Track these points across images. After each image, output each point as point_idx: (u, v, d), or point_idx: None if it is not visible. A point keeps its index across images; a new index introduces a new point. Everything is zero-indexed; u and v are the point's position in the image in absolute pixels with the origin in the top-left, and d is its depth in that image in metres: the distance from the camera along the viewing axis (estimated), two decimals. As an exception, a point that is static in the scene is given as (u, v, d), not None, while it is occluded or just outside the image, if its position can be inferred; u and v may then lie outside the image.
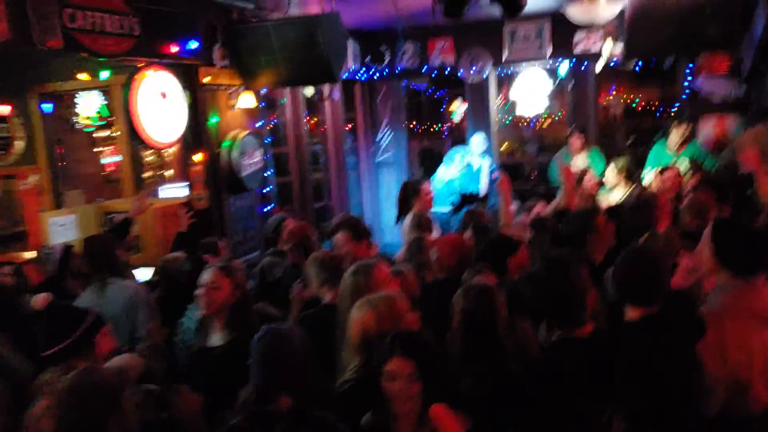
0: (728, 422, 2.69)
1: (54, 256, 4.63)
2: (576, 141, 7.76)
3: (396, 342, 2.44)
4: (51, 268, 4.64)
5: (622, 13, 6.14)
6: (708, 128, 7.94)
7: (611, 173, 6.90)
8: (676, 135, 7.40)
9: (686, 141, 7.42)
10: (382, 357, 2.43)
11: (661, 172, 6.33)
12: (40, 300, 2.97)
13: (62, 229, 5.96)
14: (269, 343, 2.63)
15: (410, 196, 5.97)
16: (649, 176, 7.13)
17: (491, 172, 8.03)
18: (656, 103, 11.63)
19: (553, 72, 9.34)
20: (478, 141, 8.29)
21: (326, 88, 8.34)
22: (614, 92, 11.85)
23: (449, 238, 4.39)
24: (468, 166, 8.05)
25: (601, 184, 6.86)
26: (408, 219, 5.46)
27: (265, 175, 6.66)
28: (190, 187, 6.20)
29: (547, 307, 2.64)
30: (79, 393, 2.29)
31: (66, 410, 2.27)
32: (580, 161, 7.63)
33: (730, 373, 2.68)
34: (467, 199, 7.62)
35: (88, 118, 7.88)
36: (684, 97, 8.11)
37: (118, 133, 7.45)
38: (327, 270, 3.77)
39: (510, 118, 11.35)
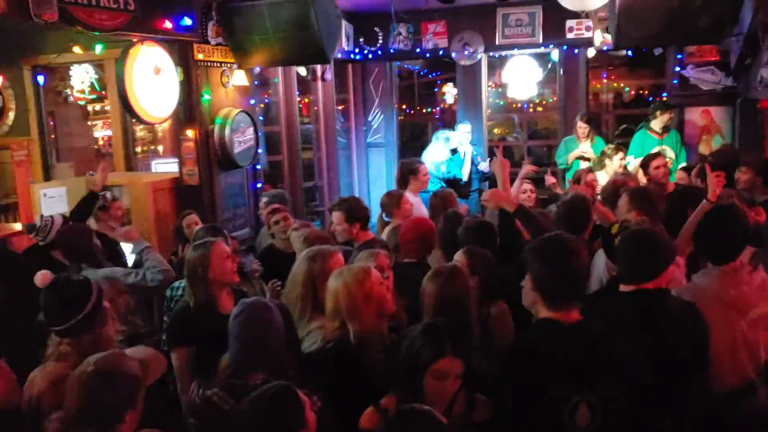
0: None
1: (51, 225, 4.70)
2: (581, 129, 7.85)
3: (445, 338, 2.38)
4: (43, 237, 4.72)
5: (613, 0, 6.20)
6: (694, 117, 8.09)
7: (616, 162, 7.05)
8: (659, 121, 7.52)
9: (668, 128, 7.56)
10: (424, 353, 2.35)
11: (650, 160, 6.42)
12: (41, 277, 2.97)
13: (52, 200, 6.01)
14: (248, 319, 2.69)
15: (407, 175, 6.16)
16: (633, 163, 7.25)
17: (474, 159, 8.13)
18: (647, 92, 11.76)
19: (545, 57, 9.42)
20: (464, 130, 8.38)
21: (318, 68, 8.39)
22: (605, 79, 11.96)
23: (412, 220, 4.42)
24: (456, 152, 8.14)
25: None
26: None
27: (257, 152, 6.72)
28: (182, 162, 6.25)
29: (547, 284, 2.49)
30: (105, 379, 2.23)
31: (88, 394, 2.21)
32: (585, 148, 7.74)
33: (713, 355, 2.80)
34: (452, 183, 7.77)
35: (81, 91, 7.90)
36: (675, 82, 8.22)
37: (110, 107, 7.49)
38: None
39: (502, 102, 11.44)
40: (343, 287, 2.89)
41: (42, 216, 4.85)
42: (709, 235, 3.02)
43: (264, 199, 6.02)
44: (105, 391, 2.21)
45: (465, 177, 8.03)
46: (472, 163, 8.06)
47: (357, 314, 2.85)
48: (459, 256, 3.45)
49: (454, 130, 8.40)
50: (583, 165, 7.64)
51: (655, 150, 7.26)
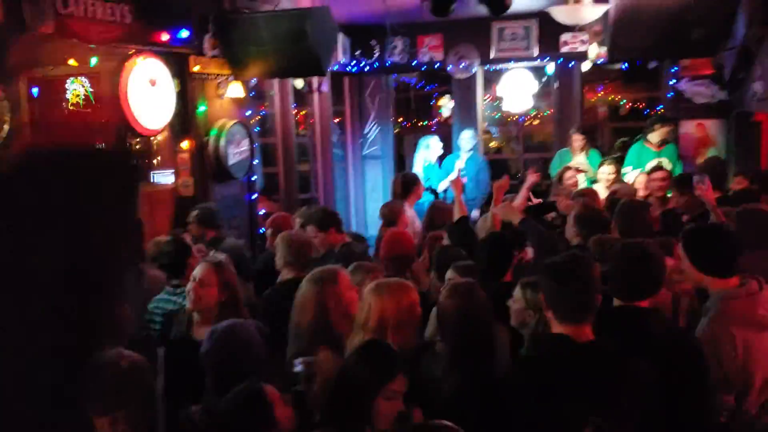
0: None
1: None
2: (577, 141, 7.88)
3: (392, 357, 2.41)
4: None
5: (607, 14, 6.24)
6: (689, 131, 8.12)
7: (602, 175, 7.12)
8: (657, 134, 7.55)
9: (665, 142, 7.59)
10: (376, 375, 2.35)
11: (650, 172, 6.47)
12: None
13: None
14: (219, 351, 2.65)
15: (411, 186, 6.30)
16: (629, 175, 7.28)
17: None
18: (642, 105, 11.79)
19: (540, 71, 9.47)
20: (466, 137, 8.43)
21: (315, 81, 8.42)
22: (601, 92, 12.01)
23: (390, 232, 4.40)
24: (429, 164, 8.30)
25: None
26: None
27: (252, 163, 6.73)
28: (177, 174, 6.26)
29: (558, 300, 2.51)
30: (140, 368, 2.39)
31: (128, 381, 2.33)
32: (580, 161, 7.76)
33: (745, 376, 2.78)
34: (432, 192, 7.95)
35: (76, 105, 7.89)
36: (669, 96, 8.25)
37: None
38: (293, 253, 3.94)
39: (498, 115, 11.48)
40: (392, 302, 2.83)
41: None
42: (706, 251, 3.00)
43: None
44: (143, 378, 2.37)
45: (441, 187, 8.19)
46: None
47: (403, 328, 2.80)
48: (450, 273, 3.44)
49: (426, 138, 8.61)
50: (579, 177, 7.67)
51: (652, 163, 7.29)
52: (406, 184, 6.34)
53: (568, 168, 6.88)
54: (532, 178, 5.73)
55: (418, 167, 8.36)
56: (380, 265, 3.75)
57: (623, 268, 2.81)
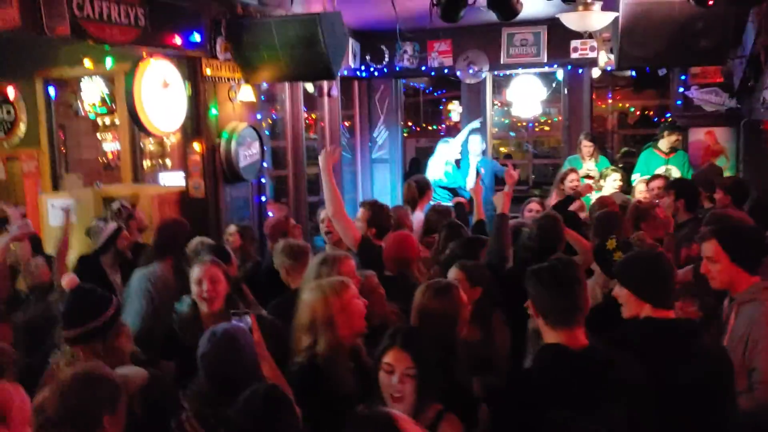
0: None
1: (101, 231, 4.81)
2: (586, 147, 7.89)
3: (397, 334, 2.48)
4: (94, 241, 4.85)
5: (616, 21, 6.27)
6: (698, 139, 8.12)
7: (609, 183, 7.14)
8: (666, 141, 7.56)
9: (675, 149, 7.60)
10: (379, 347, 2.47)
11: (648, 181, 6.49)
12: (67, 280, 3.00)
13: (60, 211, 6.08)
14: (215, 356, 2.59)
15: (424, 190, 6.42)
16: (638, 181, 7.29)
17: (477, 171, 8.21)
18: (651, 112, 11.81)
19: (549, 77, 9.51)
20: (475, 141, 8.48)
21: (325, 85, 8.48)
22: (611, 99, 12.03)
23: (395, 234, 4.41)
24: (453, 165, 8.30)
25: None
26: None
27: (262, 166, 6.80)
28: (188, 175, 6.33)
29: (547, 306, 2.49)
30: (84, 382, 2.24)
31: (67, 396, 2.21)
32: (589, 167, 7.77)
33: None
34: (456, 193, 7.94)
35: (92, 104, 8.00)
36: (678, 103, 8.26)
37: (119, 120, 7.59)
38: (292, 258, 3.97)
39: (507, 120, 11.53)
40: (321, 299, 2.85)
41: (98, 219, 5.00)
42: (748, 249, 3.13)
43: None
44: (83, 393, 2.21)
45: (469, 186, 8.17)
46: (477, 174, 8.12)
47: (332, 326, 2.79)
48: (453, 272, 3.47)
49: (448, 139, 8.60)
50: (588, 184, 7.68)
51: (660, 170, 7.31)
52: (420, 189, 6.43)
53: (574, 170, 6.90)
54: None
55: (437, 168, 8.34)
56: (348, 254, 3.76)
57: (660, 275, 2.78)
